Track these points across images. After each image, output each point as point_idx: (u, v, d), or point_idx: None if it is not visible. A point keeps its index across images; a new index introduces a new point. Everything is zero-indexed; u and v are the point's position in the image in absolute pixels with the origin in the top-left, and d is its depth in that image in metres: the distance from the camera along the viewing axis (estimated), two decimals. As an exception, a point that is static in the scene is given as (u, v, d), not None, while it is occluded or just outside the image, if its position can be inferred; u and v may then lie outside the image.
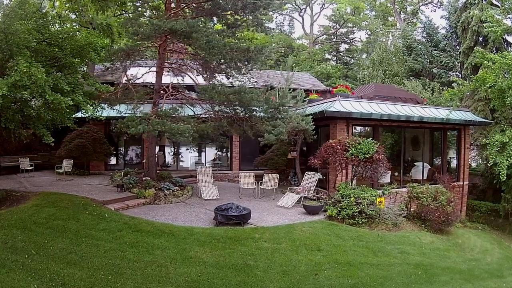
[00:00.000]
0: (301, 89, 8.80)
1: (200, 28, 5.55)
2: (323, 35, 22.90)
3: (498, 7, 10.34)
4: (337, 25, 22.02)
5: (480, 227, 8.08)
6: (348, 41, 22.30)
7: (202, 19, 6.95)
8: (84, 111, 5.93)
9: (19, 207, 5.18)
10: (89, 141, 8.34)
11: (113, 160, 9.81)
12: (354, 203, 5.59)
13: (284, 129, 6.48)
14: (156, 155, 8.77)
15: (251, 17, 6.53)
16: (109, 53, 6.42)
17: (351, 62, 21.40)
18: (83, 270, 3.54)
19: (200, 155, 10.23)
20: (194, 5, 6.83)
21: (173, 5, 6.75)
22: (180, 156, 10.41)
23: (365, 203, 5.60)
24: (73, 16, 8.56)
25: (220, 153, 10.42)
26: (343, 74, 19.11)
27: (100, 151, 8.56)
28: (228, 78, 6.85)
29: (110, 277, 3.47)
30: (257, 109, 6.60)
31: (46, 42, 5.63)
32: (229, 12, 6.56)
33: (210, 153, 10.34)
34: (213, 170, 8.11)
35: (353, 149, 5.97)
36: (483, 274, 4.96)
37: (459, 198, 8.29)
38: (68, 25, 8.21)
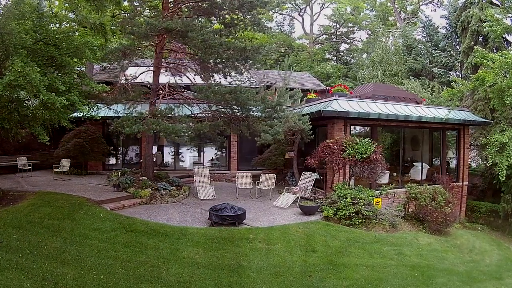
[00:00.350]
0: (298, 88, 8.76)
1: (195, 27, 5.53)
2: (323, 34, 22.83)
3: (498, 6, 10.26)
4: (337, 24, 21.95)
5: (479, 228, 8.00)
6: (348, 40, 22.21)
7: (201, 19, 6.93)
8: (79, 110, 5.95)
9: (16, 206, 5.20)
10: (86, 141, 8.35)
11: (111, 160, 9.82)
12: (351, 203, 5.55)
13: (280, 128, 6.44)
14: (154, 155, 8.77)
15: (248, 16, 6.51)
16: (105, 53, 6.43)
17: (351, 62, 21.31)
18: (76, 270, 3.53)
19: (199, 155, 10.22)
20: (192, 4, 6.82)
21: (171, 5, 6.75)
22: (178, 156, 10.40)
23: (362, 203, 5.55)
24: (72, 16, 8.61)
25: (219, 153, 10.40)
26: (343, 74, 19.04)
27: (97, 151, 8.57)
28: (226, 78, 6.83)
29: (102, 277, 3.46)
30: (254, 108, 6.57)
31: (43, 42, 5.65)
32: (226, 12, 6.53)
33: (209, 153, 10.32)
34: (211, 170, 8.08)
35: (350, 149, 5.92)
36: (481, 276, 4.90)
37: (458, 198, 8.21)
38: (67, 25, 8.24)
